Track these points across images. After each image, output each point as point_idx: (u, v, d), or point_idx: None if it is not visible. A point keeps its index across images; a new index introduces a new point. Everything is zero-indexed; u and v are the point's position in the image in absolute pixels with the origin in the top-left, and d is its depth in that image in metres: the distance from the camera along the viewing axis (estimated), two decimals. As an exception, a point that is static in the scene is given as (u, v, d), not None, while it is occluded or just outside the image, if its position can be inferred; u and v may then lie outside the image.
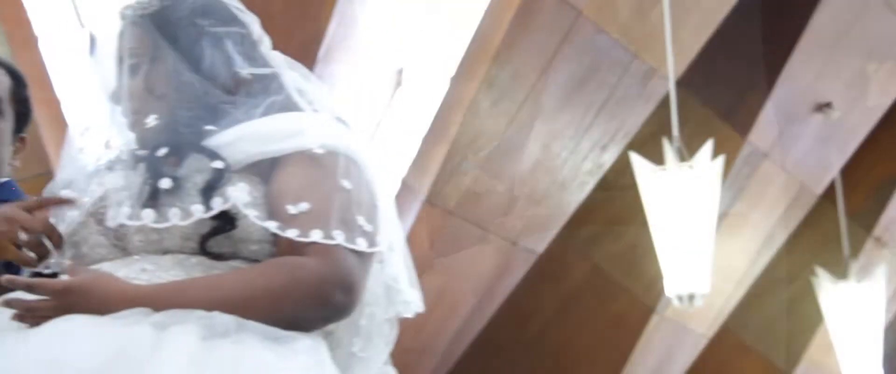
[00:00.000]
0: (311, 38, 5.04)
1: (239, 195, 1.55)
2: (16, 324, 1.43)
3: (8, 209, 1.66)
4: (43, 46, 4.95)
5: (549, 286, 6.42)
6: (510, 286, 6.15)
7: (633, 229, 6.18)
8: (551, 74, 5.48)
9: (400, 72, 5.87)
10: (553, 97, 5.58)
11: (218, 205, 1.54)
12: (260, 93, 1.72)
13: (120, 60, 1.76)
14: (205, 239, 1.56)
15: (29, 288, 1.44)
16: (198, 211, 1.54)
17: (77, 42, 1.76)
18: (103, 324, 1.38)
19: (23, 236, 1.62)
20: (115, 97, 1.74)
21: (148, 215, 1.55)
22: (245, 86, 1.72)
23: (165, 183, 1.57)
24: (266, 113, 1.68)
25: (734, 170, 6.47)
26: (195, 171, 1.58)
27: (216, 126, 1.65)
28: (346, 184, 1.59)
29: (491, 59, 5.25)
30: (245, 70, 1.72)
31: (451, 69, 5.57)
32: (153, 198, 1.56)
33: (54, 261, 1.67)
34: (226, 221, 1.56)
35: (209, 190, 1.55)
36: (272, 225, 1.54)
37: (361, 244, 1.55)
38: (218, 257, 1.57)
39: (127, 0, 1.80)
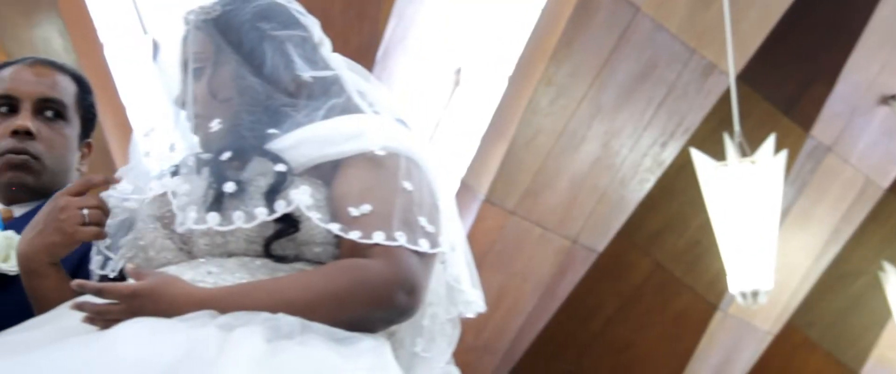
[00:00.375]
0: (369, 39, 5.07)
1: (301, 198, 1.56)
2: (86, 327, 1.46)
3: (59, 199, 1.71)
4: (108, 53, 5.04)
5: (610, 284, 6.39)
6: (571, 285, 6.13)
7: (694, 226, 6.13)
8: (610, 72, 5.45)
9: (458, 72, 5.88)
10: (612, 94, 5.55)
11: (281, 208, 1.55)
12: (321, 95, 1.73)
13: (184, 65, 1.78)
14: (269, 242, 1.57)
15: (98, 292, 1.45)
16: (261, 214, 1.55)
17: (141, 48, 1.79)
18: (170, 326, 1.39)
19: (85, 211, 1.68)
20: (180, 102, 1.77)
21: (213, 219, 1.57)
22: (306, 89, 1.73)
23: (229, 187, 1.58)
24: (327, 115, 1.69)
25: (797, 165, 6.39)
26: (258, 174, 1.60)
27: (278, 129, 1.66)
28: (407, 185, 1.59)
29: (549, 57, 5.23)
30: (306, 73, 1.73)
31: (509, 68, 5.57)
32: (217, 201, 1.58)
33: (115, 264, 1.73)
34: (289, 223, 1.57)
35: (272, 193, 1.57)
36: (335, 227, 1.55)
37: (423, 245, 1.55)
38: (282, 259, 1.58)
39: (190, 5, 1.83)
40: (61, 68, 2.17)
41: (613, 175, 5.85)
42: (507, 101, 5.52)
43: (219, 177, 1.61)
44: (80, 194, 1.71)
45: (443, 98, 5.87)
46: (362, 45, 4.98)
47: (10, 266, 1.94)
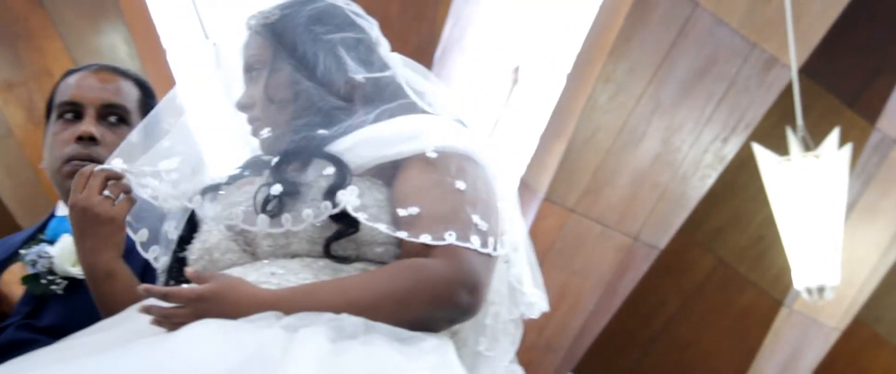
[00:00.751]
0: (427, 39, 5.09)
1: (349, 199, 1.57)
2: (154, 329, 1.49)
3: (75, 204, 1.78)
4: (171, 58, 5.11)
5: (673, 282, 6.34)
6: (632, 282, 6.10)
7: (757, 222, 6.06)
8: (669, 67, 5.41)
9: (516, 70, 5.88)
10: (671, 90, 5.51)
11: (326, 210, 1.57)
12: (376, 97, 1.74)
13: (246, 70, 1.81)
14: (328, 242, 1.59)
15: (164, 296, 1.48)
16: (308, 216, 1.57)
17: (203, 53, 1.81)
18: (236, 328, 1.41)
19: (106, 193, 1.76)
20: (241, 106, 1.80)
21: (262, 222, 1.59)
22: (360, 90, 1.74)
23: (284, 189, 1.60)
24: (384, 117, 1.71)
25: (862, 158, 6.28)
26: (315, 176, 1.61)
27: (334, 131, 1.68)
28: (460, 185, 1.60)
29: (607, 54, 5.21)
30: (360, 75, 1.74)
31: (568, 66, 5.55)
32: (274, 204, 1.60)
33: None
34: (348, 224, 1.58)
35: (328, 195, 1.58)
36: (382, 226, 1.57)
37: (475, 243, 1.56)
38: (344, 259, 1.59)
39: (250, 11, 1.85)
40: (125, 74, 2.22)
41: (674, 172, 5.80)
42: (565, 98, 5.50)
43: (275, 179, 1.63)
44: (79, 190, 1.78)
45: (501, 97, 5.86)
46: (420, 46, 5.00)
47: (79, 270, 1.99)
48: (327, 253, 1.59)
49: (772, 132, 5.51)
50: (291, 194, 1.60)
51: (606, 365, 6.32)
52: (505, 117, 5.89)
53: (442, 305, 1.52)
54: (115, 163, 1.77)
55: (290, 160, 1.65)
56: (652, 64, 5.37)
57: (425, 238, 1.54)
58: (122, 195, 1.78)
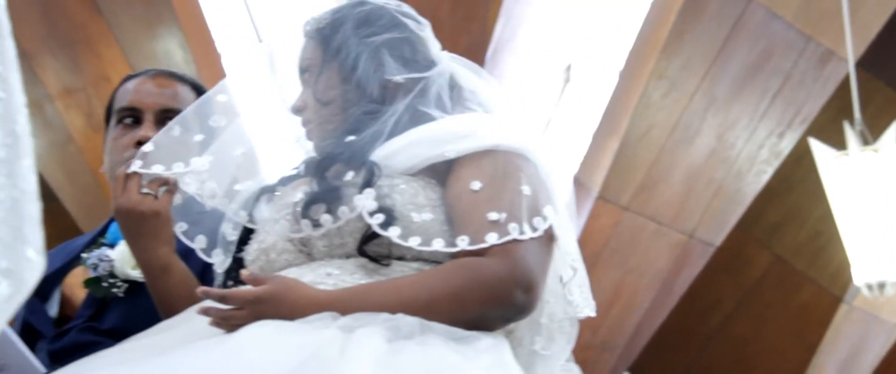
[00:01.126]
0: (478, 40, 5.10)
1: (365, 203, 1.57)
2: (213, 330, 1.51)
3: (118, 208, 1.81)
4: (225, 62, 5.17)
5: (729, 279, 6.29)
6: (688, 280, 6.06)
7: (814, 218, 5.99)
8: (723, 63, 5.37)
9: (568, 69, 5.87)
10: (725, 86, 5.47)
11: (343, 215, 1.58)
12: (425, 95, 1.75)
13: (300, 74, 1.84)
14: (361, 244, 1.60)
15: (222, 299, 1.50)
16: (327, 221, 1.59)
17: (257, 57, 1.84)
18: (293, 329, 1.42)
19: (145, 189, 1.80)
20: (295, 109, 1.82)
21: (305, 225, 1.61)
22: (409, 89, 1.76)
23: (321, 191, 1.63)
24: (432, 116, 1.72)
25: (923, 152, 6.18)
26: (358, 177, 1.63)
27: (383, 132, 1.70)
28: (523, 188, 1.60)
29: (660, 51, 5.18)
30: (401, 76, 1.75)
31: (620, 63, 5.54)
32: (314, 206, 1.62)
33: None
34: (384, 224, 1.58)
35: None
36: (394, 235, 1.56)
37: (537, 232, 1.56)
38: (399, 259, 1.61)
39: (304, 15, 1.88)
40: (181, 79, 2.25)
41: (729, 168, 5.76)
42: (618, 96, 5.48)
43: (321, 181, 1.65)
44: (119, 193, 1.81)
45: (553, 96, 5.86)
46: (471, 46, 5.01)
47: (139, 273, 2.03)
48: (361, 253, 1.60)
49: (829, 127, 5.44)
50: (330, 196, 1.62)
51: (663, 363, 6.29)
52: (557, 116, 5.88)
53: (497, 304, 1.52)
54: (147, 162, 1.78)
55: (330, 163, 1.67)
56: (705, 59, 5.33)
57: (491, 239, 1.54)
58: (161, 189, 1.81)
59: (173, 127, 1.80)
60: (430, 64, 1.78)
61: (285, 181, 1.82)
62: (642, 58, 5.33)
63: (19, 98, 0.93)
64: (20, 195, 0.89)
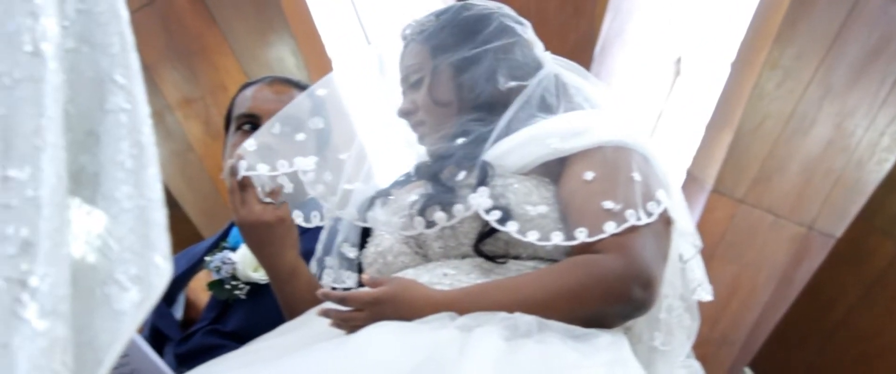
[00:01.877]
0: (586, 35, 5.07)
1: (480, 201, 1.58)
2: (334, 331, 1.54)
3: (241, 221, 1.82)
4: (336, 67, 5.25)
5: (851, 271, 6.12)
6: (808, 273, 5.91)
7: (941, 206, 5.79)
8: (839, 50, 5.23)
9: (678, 61, 5.80)
10: (842, 73, 5.32)
11: (459, 213, 1.60)
12: (533, 97, 1.76)
13: (404, 78, 1.86)
14: (477, 242, 1.62)
15: (342, 301, 1.52)
16: (441, 219, 1.60)
17: (366, 61, 1.87)
18: (413, 329, 1.44)
19: (265, 199, 1.80)
20: (403, 113, 1.84)
21: (419, 223, 1.63)
22: (517, 92, 1.77)
23: (436, 192, 1.64)
24: (541, 116, 1.73)
25: None
26: (471, 177, 1.65)
27: (494, 133, 1.71)
28: (636, 176, 1.60)
29: (773, 40, 5.08)
30: (513, 81, 1.77)
31: (732, 54, 5.44)
32: (430, 208, 1.64)
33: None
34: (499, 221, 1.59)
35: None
36: (533, 236, 1.57)
37: (655, 224, 1.57)
38: (515, 258, 1.62)
39: (405, 21, 1.91)
40: (296, 84, 2.30)
41: (848, 157, 5.61)
42: (730, 87, 5.39)
43: (435, 183, 1.67)
44: (239, 206, 1.82)
45: (664, 89, 5.79)
46: (579, 42, 4.98)
47: (261, 276, 2.08)
48: (477, 252, 1.62)
49: (953, 112, 5.26)
50: (444, 197, 1.63)
51: (785, 358, 6.15)
52: (668, 110, 5.81)
53: (615, 301, 1.51)
54: (250, 160, 1.79)
55: (444, 164, 1.68)
56: (820, 47, 5.20)
57: (609, 228, 1.54)
58: (282, 201, 1.84)
59: (273, 124, 1.82)
60: (536, 66, 1.80)
61: (398, 185, 1.85)
62: (755, 48, 5.23)
63: (144, 109, 0.96)
64: (147, 204, 0.93)
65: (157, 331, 2.18)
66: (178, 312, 2.24)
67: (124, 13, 0.95)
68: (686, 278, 1.77)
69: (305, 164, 1.78)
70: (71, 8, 0.91)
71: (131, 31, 0.96)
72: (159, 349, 2.10)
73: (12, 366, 0.77)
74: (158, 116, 4.96)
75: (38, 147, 0.82)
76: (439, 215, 1.61)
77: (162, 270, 0.92)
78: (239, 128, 2.23)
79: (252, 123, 2.22)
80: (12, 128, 0.80)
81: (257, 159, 1.79)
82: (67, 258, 0.85)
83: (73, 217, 0.88)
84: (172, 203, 5.09)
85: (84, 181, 0.90)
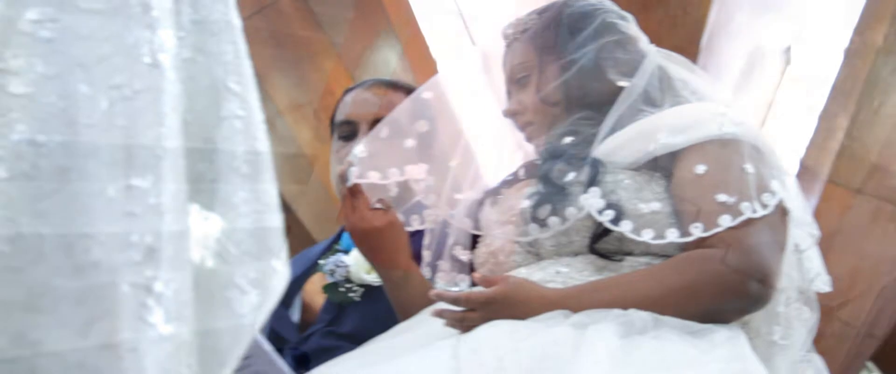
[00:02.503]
0: (693, 27, 5.00)
1: (592, 202, 1.57)
2: (449, 330, 1.54)
3: (353, 229, 1.84)
4: (441, 69, 5.27)
5: (980, 261, 5.90)
6: (933, 263, 5.73)
7: None
8: (961, 31, 5.05)
9: (788, 50, 5.67)
10: (965, 55, 5.14)
11: (571, 216, 1.58)
12: (639, 92, 1.74)
13: (509, 78, 1.86)
14: (592, 241, 1.60)
15: (455, 301, 1.53)
16: (571, 214, 1.59)
17: (471, 62, 1.87)
18: (526, 328, 1.43)
19: (375, 204, 1.82)
20: (510, 113, 1.84)
21: (534, 229, 1.63)
22: (623, 89, 1.75)
23: (546, 192, 1.64)
24: (648, 111, 1.71)
25: None
26: (582, 176, 1.63)
27: (602, 131, 1.70)
28: (748, 168, 1.58)
29: (888, 24, 4.93)
30: (619, 80, 1.75)
31: (844, 41, 5.30)
32: (545, 207, 1.63)
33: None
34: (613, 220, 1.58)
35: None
36: (648, 235, 1.55)
37: (771, 216, 1.54)
38: (628, 254, 1.61)
39: (506, 22, 1.90)
40: (394, 86, 2.31)
41: (973, 142, 5.41)
42: (843, 75, 5.25)
43: (545, 183, 1.66)
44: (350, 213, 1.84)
45: (774, 79, 5.67)
46: (686, 34, 4.91)
47: (375, 278, 2.10)
48: (592, 251, 1.61)
49: None
50: (556, 197, 1.63)
51: (909, 352, 5.97)
52: (779, 100, 5.69)
53: (731, 296, 1.49)
54: (362, 168, 1.80)
55: (553, 164, 1.68)
56: (941, 29, 5.03)
57: (724, 222, 1.52)
58: (390, 209, 1.85)
59: (382, 129, 1.82)
60: (641, 60, 1.78)
61: (507, 184, 1.84)
62: (868, 33, 5.08)
63: (258, 115, 0.98)
64: (263, 209, 0.94)
65: (275, 333, 2.21)
66: (296, 314, 2.28)
67: (237, 22, 0.97)
68: (803, 269, 1.74)
69: (417, 172, 1.79)
70: (186, 19, 0.93)
71: (244, 40, 0.98)
72: (277, 351, 2.14)
73: (141, 370, 0.79)
74: (269, 122, 5.04)
75: (158, 156, 0.84)
76: (553, 220, 1.60)
77: (279, 273, 0.93)
78: (340, 135, 2.26)
79: (351, 129, 2.24)
80: (134, 138, 0.83)
81: (367, 166, 1.80)
82: (189, 263, 0.87)
83: (192, 223, 0.90)
84: (285, 207, 5.16)
85: (202, 188, 0.91)
